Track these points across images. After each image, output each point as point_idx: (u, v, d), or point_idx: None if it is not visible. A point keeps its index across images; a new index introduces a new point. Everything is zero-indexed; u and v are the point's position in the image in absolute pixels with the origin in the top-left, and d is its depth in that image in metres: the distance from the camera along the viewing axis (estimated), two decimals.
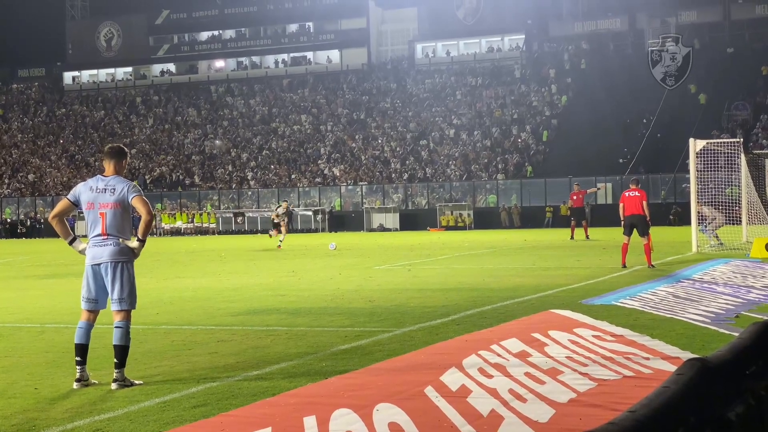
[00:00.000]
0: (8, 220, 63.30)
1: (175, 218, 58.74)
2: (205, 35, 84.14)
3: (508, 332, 9.78)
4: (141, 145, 72.04)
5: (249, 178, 64.79)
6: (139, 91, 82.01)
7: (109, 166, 8.12)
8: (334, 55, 79.83)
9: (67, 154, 72.74)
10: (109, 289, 7.90)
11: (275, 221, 35.04)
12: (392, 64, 76.73)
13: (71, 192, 8.19)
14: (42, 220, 61.47)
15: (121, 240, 7.91)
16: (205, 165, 67.78)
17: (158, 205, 60.94)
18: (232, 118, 73.87)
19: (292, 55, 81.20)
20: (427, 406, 6.53)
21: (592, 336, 9.46)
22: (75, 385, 7.70)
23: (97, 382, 7.82)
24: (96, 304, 7.97)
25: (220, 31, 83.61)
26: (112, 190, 7.90)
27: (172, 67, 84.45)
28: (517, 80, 69.83)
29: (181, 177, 66.96)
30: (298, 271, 20.84)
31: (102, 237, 7.87)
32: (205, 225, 58.36)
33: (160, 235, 57.03)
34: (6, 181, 70.60)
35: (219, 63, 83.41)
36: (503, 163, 60.10)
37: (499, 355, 8.45)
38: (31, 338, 10.80)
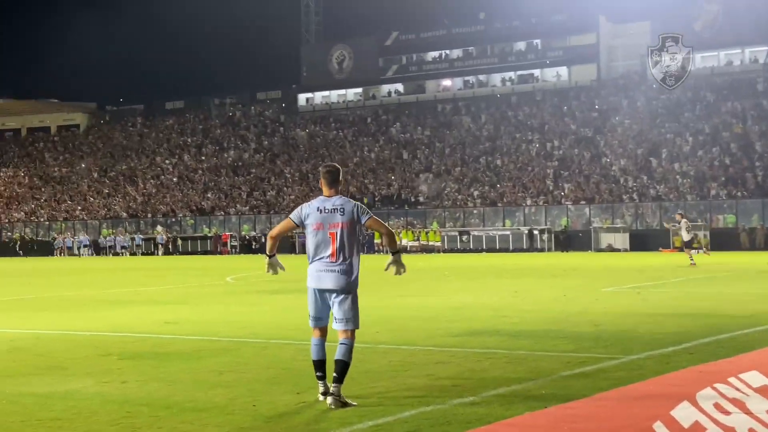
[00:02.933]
0: (246, 237, 66.33)
1: (400, 236, 59.55)
2: (432, 55, 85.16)
3: (749, 364, 9.01)
4: (370, 163, 73.73)
5: (475, 196, 64.80)
6: (369, 111, 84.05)
7: (330, 186, 8.13)
8: (563, 71, 78.72)
9: (300, 172, 75.48)
10: (334, 311, 7.97)
11: (690, 240, 32.27)
12: (623, 80, 74.67)
13: (296, 213, 8.23)
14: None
15: (350, 261, 7.92)
16: (432, 183, 68.38)
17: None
18: (459, 136, 74.25)
19: (519, 72, 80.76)
20: None
21: None
22: (321, 398, 7.82)
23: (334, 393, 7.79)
24: (322, 321, 8.08)
25: (448, 51, 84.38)
26: (342, 211, 7.94)
27: (400, 87, 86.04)
28: (760, 94, 66.17)
29: (408, 195, 67.90)
30: (522, 291, 20.39)
31: (331, 259, 7.90)
32: (430, 243, 58.79)
33: (386, 252, 57.82)
34: (244, 198, 74.08)
35: (446, 82, 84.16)
36: (743, 181, 57.01)
37: (737, 390, 7.76)
38: (255, 353, 10.99)
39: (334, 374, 7.74)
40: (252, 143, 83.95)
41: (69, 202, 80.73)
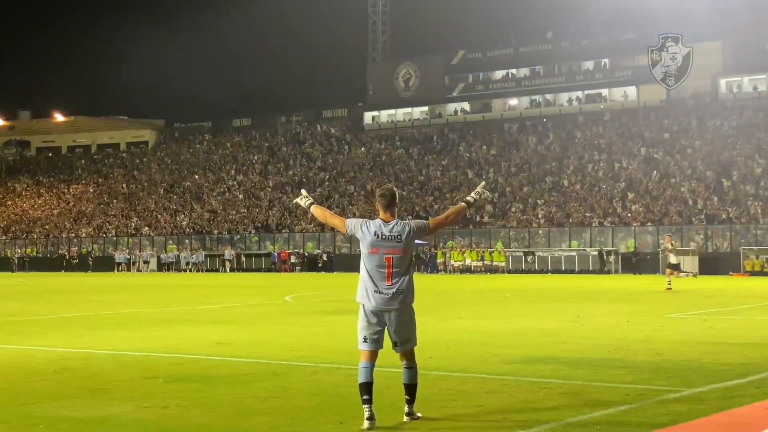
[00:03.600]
0: (306, 254, 66.46)
1: (464, 255, 58.92)
2: (499, 74, 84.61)
3: None
4: (436, 182, 73.38)
5: (539, 216, 64.01)
6: (435, 129, 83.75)
7: (386, 209, 8.10)
8: (631, 91, 77.55)
9: (364, 190, 75.39)
10: (394, 334, 7.97)
11: (678, 264, 33.08)
12: (693, 100, 73.26)
13: (352, 224, 8.20)
14: (334, 254, 64.35)
15: (405, 282, 7.93)
16: (497, 203, 67.78)
17: (450, 243, 61.53)
18: (525, 156, 73.54)
19: (586, 92, 79.79)
20: None
21: None
22: (366, 424, 7.64)
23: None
24: (377, 344, 7.98)
25: (514, 70, 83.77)
26: (398, 237, 7.95)
27: (466, 105, 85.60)
28: None
29: (472, 215, 67.36)
30: (583, 315, 19.86)
31: (387, 282, 7.89)
32: (495, 263, 58.07)
33: (449, 272, 57.53)
34: (309, 216, 74.15)
35: (512, 101, 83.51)
36: None
37: None
38: (304, 378, 10.75)
39: (407, 397, 7.97)
40: (317, 161, 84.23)
41: (136, 218, 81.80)
